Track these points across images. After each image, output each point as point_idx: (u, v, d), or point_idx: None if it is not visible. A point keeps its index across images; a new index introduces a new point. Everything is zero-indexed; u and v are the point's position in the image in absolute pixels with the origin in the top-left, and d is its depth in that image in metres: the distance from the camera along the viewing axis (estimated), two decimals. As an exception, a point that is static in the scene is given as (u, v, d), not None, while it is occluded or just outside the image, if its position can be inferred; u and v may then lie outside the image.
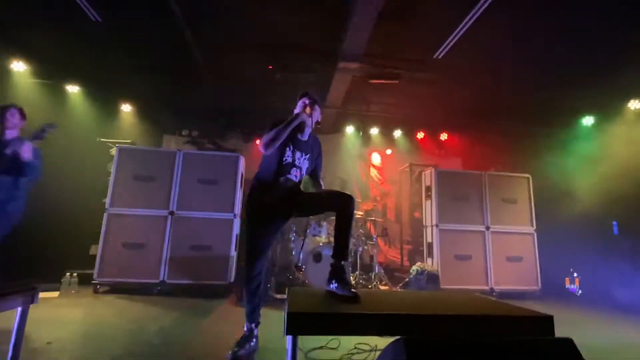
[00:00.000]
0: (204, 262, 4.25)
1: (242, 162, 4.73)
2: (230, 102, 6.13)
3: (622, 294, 4.53)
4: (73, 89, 5.56)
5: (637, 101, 4.85)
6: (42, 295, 2.05)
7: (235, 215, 4.47)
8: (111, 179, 4.34)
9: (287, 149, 2.22)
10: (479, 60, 4.55)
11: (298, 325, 1.35)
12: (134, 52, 4.63)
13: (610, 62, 4.17)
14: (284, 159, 2.21)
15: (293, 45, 4.46)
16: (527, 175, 5.29)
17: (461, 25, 3.73)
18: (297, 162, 2.25)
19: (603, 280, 4.79)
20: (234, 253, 4.43)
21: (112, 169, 4.39)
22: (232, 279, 4.35)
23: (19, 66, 4.90)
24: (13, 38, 4.41)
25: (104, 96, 5.68)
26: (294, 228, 4.90)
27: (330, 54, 4.47)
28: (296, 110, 2.27)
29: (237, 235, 4.53)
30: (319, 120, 2.34)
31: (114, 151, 4.48)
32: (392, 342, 1.25)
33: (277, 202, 2.21)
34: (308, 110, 2.22)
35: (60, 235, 4.69)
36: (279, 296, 4.05)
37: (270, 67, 4.64)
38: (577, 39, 3.90)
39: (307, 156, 2.32)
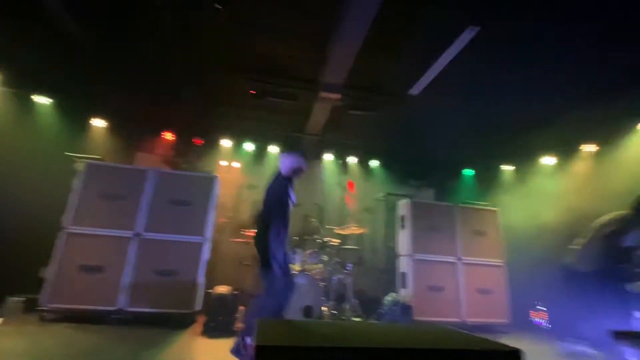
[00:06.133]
0: (168, 288, 3.99)
1: (218, 183, 4.63)
2: (210, 121, 6.08)
3: (586, 327, 4.65)
4: (43, 101, 5.32)
5: (590, 144, 5.30)
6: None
7: (205, 239, 4.29)
8: (74, 195, 4.08)
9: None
10: (452, 99, 4.83)
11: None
12: (111, 67, 4.56)
13: (565, 108, 4.57)
14: None
15: (276, 72, 4.56)
16: (495, 208, 5.52)
17: (435, 65, 3.97)
18: None
19: (569, 313, 4.92)
20: (201, 279, 4.20)
21: (77, 185, 4.14)
22: (199, 307, 4.10)
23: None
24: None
25: (75, 110, 5.46)
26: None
27: (312, 83, 4.60)
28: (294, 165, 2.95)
29: (206, 260, 4.32)
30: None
31: (79, 166, 4.24)
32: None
33: None
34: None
35: (7, 256, 4.26)
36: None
37: (253, 92, 4.69)
38: (540, 85, 4.26)
39: None
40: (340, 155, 6.98)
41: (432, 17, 3.42)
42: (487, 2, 3.17)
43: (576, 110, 4.53)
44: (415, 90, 4.56)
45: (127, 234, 4.08)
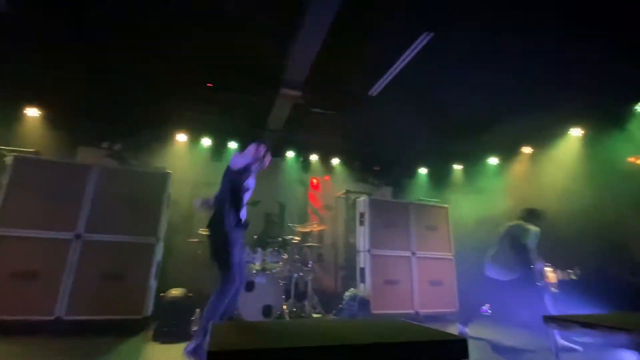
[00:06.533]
0: (115, 293, 3.71)
1: (171, 180, 4.39)
2: (164, 114, 5.72)
3: (524, 313, 5.14)
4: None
5: (528, 147, 5.87)
6: None
7: (157, 240, 4.05)
8: (1, 193, 3.63)
9: None
10: (408, 100, 5.03)
11: (219, 365, 1.23)
12: (47, 49, 4.10)
13: (507, 113, 4.99)
14: None
15: (235, 65, 4.42)
16: (446, 205, 5.87)
17: (393, 67, 4.11)
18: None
19: (510, 301, 5.40)
20: (153, 282, 3.97)
21: (5, 182, 3.68)
22: (150, 312, 3.87)
23: None
24: None
25: (5, 97, 4.84)
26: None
27: (272, 78, 4.52)
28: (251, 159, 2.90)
29: (158, 262, 4.08)
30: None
31: (9, 160, 3.78)
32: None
33: None
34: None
35: None
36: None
37: (210, 84, 4.50)
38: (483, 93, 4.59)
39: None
40: (302, 153, 6.97)
41: (389, 22, 3.53)
42: (441, 10, 3.34)
43: (516, 116, 4.96)
44: (374, 91, 4.69)
45: (66, 235, 3.72)
